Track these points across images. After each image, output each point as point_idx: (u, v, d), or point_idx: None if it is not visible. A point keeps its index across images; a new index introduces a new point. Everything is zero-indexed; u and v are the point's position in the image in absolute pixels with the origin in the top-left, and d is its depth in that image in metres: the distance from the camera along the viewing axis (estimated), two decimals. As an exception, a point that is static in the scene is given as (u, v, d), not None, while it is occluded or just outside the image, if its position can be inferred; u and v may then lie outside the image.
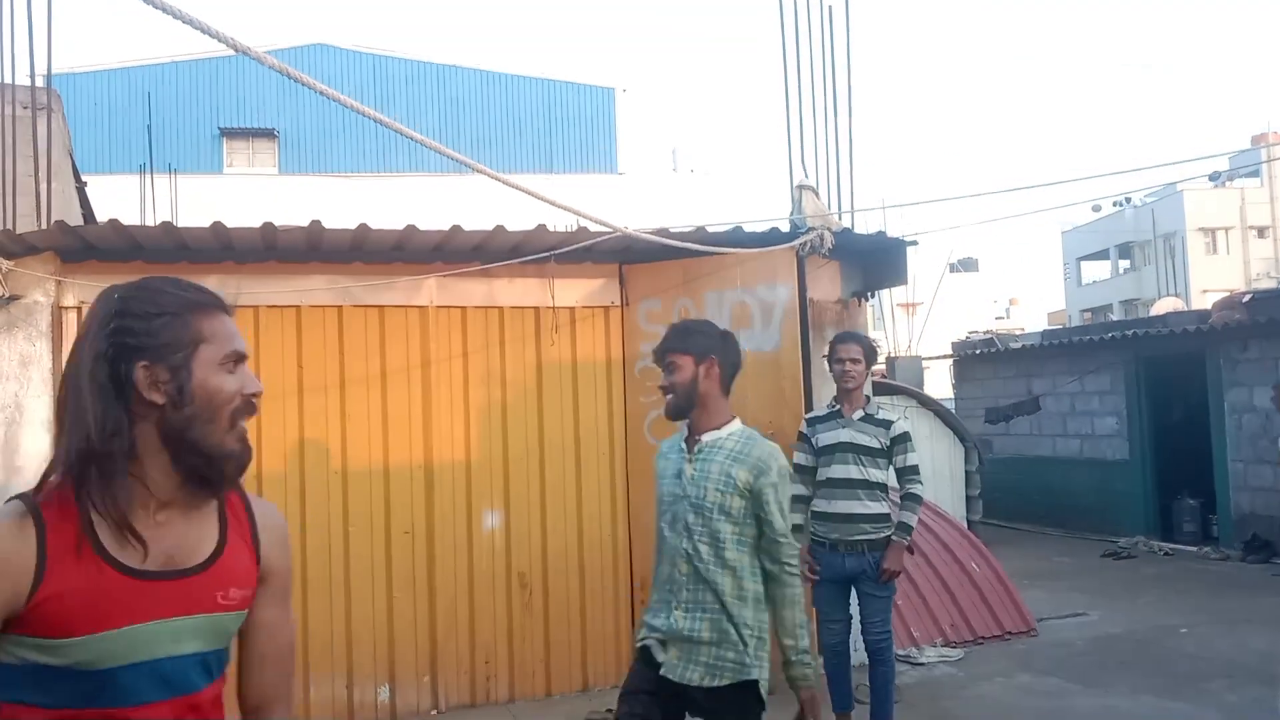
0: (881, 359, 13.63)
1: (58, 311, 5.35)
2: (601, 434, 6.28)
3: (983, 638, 6.95)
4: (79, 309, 5.42)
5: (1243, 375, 10.53)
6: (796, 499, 4.60)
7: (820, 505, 4.87)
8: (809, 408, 6.16)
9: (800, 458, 4.96)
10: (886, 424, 4.87)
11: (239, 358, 1.54)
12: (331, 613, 5.68)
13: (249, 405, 1.54)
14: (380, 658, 5.76)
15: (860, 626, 4.89)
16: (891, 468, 4.88)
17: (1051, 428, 13.10)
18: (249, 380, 1.55)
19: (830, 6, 6.83)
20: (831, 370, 5.09)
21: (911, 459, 4.86)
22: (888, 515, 4.84)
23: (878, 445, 4.83)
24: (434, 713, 5.82)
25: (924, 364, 14.64)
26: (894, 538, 4.78)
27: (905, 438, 4.87)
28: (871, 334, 6.89)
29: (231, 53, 2.52)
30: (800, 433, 5.10)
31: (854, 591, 4.90)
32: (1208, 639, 6.77)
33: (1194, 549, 10.61)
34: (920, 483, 4.85)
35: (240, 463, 1.53)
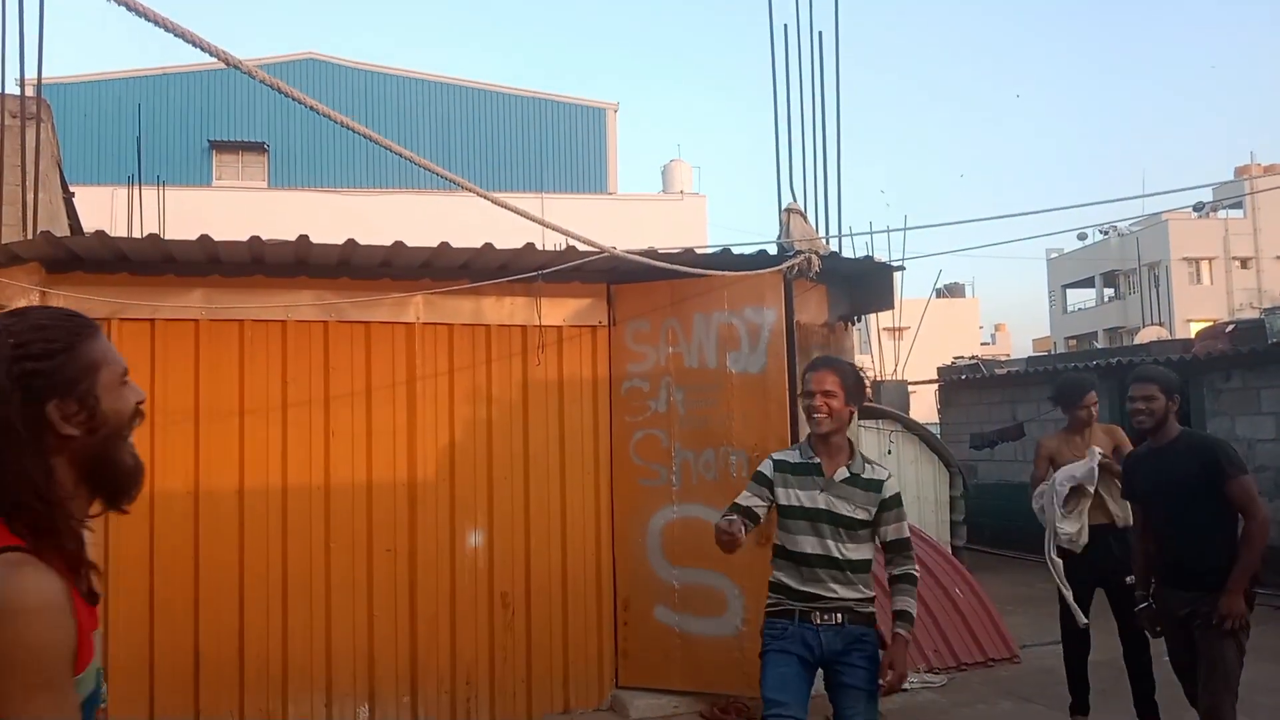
0: (867, 383, 13.65)
1: (41, 322, 5.30)
2: (587, 454, 6.27)
3: (966, 664, 6.94)
4: (63, 320, 5.37)
5: (1225, 405, 10.60)
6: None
7: (788, 579, 3.71)
8: (794, 431, 6.17)
9: (747, 498, 3.75)
10: (878, 484, 3.69)
11: (126, 371, 1.57)
12: (311, 630, 5.63)
13: (140, 414, 1.59)
14: (360, 676, 5.71)
15: None
16: (876, 539, 3.75)
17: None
18: (137, 391, 1.59)
19: (820, 32, 6.89)
20: (801, 404, 3.87)
21: (905, 530, 3.74)
22: (873, 597, 3.73)
23: (863, 517, 3.65)
24: (413, 733, 5.76)
25: (910, 389, 14.68)
26: (898, 629, 3.60)
27: (897, 501, 3.71)
28: (858, 358, 6.90)
29: (222, 66, 2.52)
30: (760, 472, 3.82)
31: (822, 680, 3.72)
32: (1189, 668, 6.77)
33: (1176, 577, 10.62)
34: (912, 562, 3.73)
35: (140, 476, 1.57)
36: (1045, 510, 5.68)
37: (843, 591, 3.62)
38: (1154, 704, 5.54)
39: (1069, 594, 5.60)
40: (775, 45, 6.89)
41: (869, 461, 3.78)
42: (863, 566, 3.66)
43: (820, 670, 3.68)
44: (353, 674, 5.70)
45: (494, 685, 5.96)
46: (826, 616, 3.61)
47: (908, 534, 3.76)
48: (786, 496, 3.70)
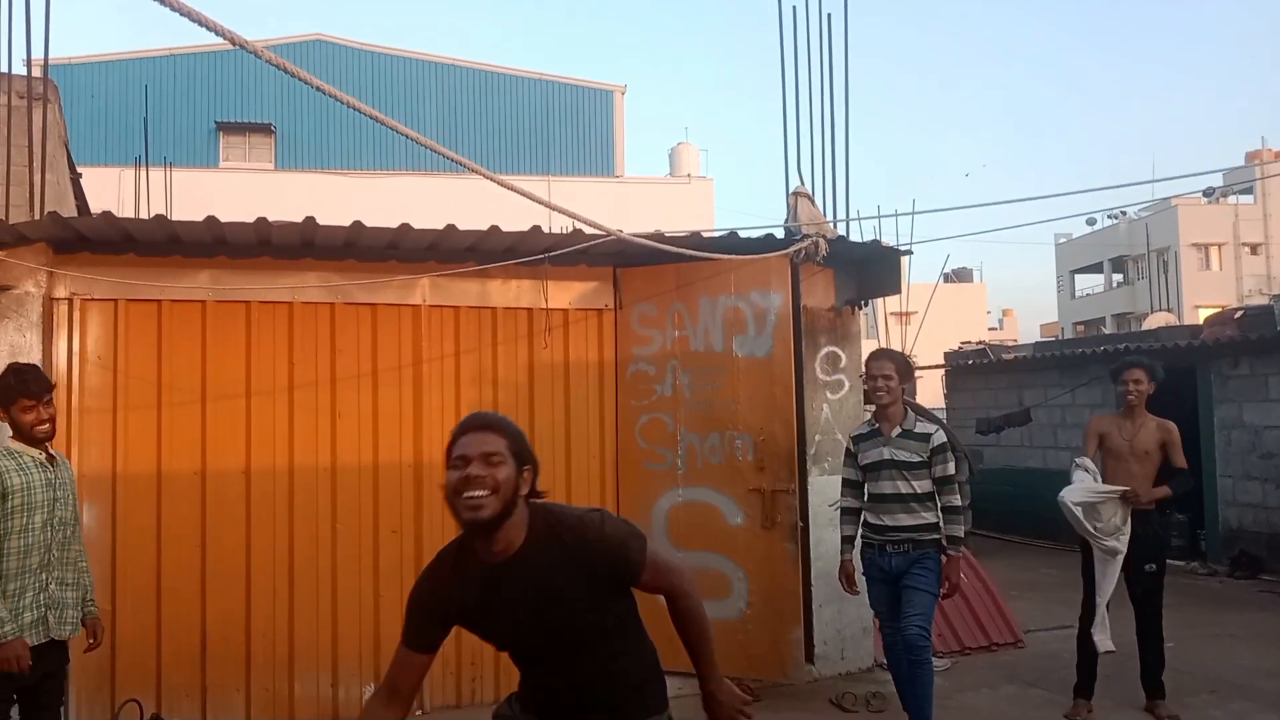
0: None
1: (49, 303, 5.33)
2: (592, 437, 6.27)
3: (969, 648, 6.95)
4: (70, 300, 5.40)
5: (1233, 391, 10.57)
6: (846, 511, 5.15)
7: (871, 518, 4.99)
8: (800, 414, 6.18)
9: (846, 473, 5.16)
10: (925, 437, 4.91)
11: None
12: (317, 609, 5.67)
13: None
14: (365, 656, 5.75)
15: (899, 623, 4.85)
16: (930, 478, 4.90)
17: (1042, 439, 13.12)
18: None
19: (829, 15, 6.85)
20: (865, 387, 5.25)
21: (950, 469, 4.88)
22: (936, 524, 4.89)
23: (918, 459, 4.87)
24: (419, 712, 5.79)
25: (916, 373, 14.65)
26: (949, 551, 4.84)
27: (944, 448, 4.89)
28: (864, 343, 6.89)
29: (230, 47, 2.51)
30: (846, 449, 5.24)
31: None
32: (1194, 654, 6.78)
33: (1181, 564, 10.63)
34: (957, 494, 4.89)
35: None
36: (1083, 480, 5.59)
37: (907, 520, 4.84)
38: (1161, 684, 5.57)
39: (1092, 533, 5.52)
40: (784, 28, 6.85)
41: (920, 419, 5.00)
42: (925, 498, 4.86)
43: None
44: (358, 654, 5.73)
45: (499, 666, 5.98)
46: (895, 546, 4.85)
47: (953, 472, 4.88)
48: (864, 457, 5.01)
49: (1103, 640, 5.55)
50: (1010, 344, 20.05)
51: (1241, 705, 5.66)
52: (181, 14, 2.32)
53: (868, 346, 7.55)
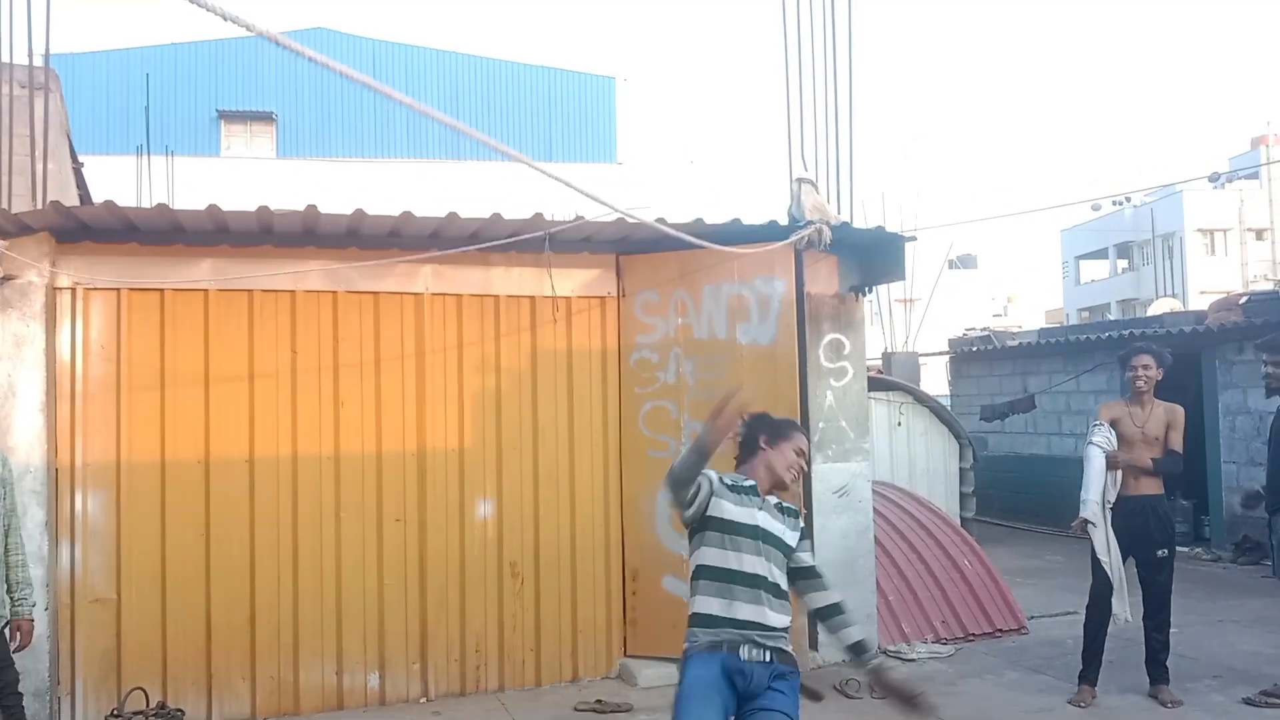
0: (878, 355, 13.62)
1: (52, 292, 5.32)
2: (595, 425, 6.27)
3: (973, 635, 6.96)
4: (73, 289, 5.40)
5: (1237, 377, 10.54)
6: None
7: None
8: (804, 401, 6.17)
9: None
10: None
11: None
12: (322, 598, 5.68)
13: None
14: (370, 644, 5.76)
15: None
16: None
17: (1046, 426, 13.11)
18: None
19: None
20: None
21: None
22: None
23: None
24: (423, 700, 5.81)
25: (921, 360, 14.62)
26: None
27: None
28: (868, 329, 6.88)
29: (231, 35, 2.49)
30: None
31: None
32: (1197, 639, 6.78)
33: (1185, 550, 10.61)
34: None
35: None
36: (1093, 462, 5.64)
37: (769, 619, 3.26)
38: (1166, 670, 5.57)
39: (1102, 541, 5.57)
40: (787, 11, 6.80)
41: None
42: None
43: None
44: (363, 641, 5.75)
45: (503, 654, 6.00)
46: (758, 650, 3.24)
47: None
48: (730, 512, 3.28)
49: (1121, 609, 5.60)
50: (1015, 330, 20.01)
51: (1245, 691, 5.66)
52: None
53: (871, 334, 7.54)
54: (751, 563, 3.22)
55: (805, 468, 3.49)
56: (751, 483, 3.35)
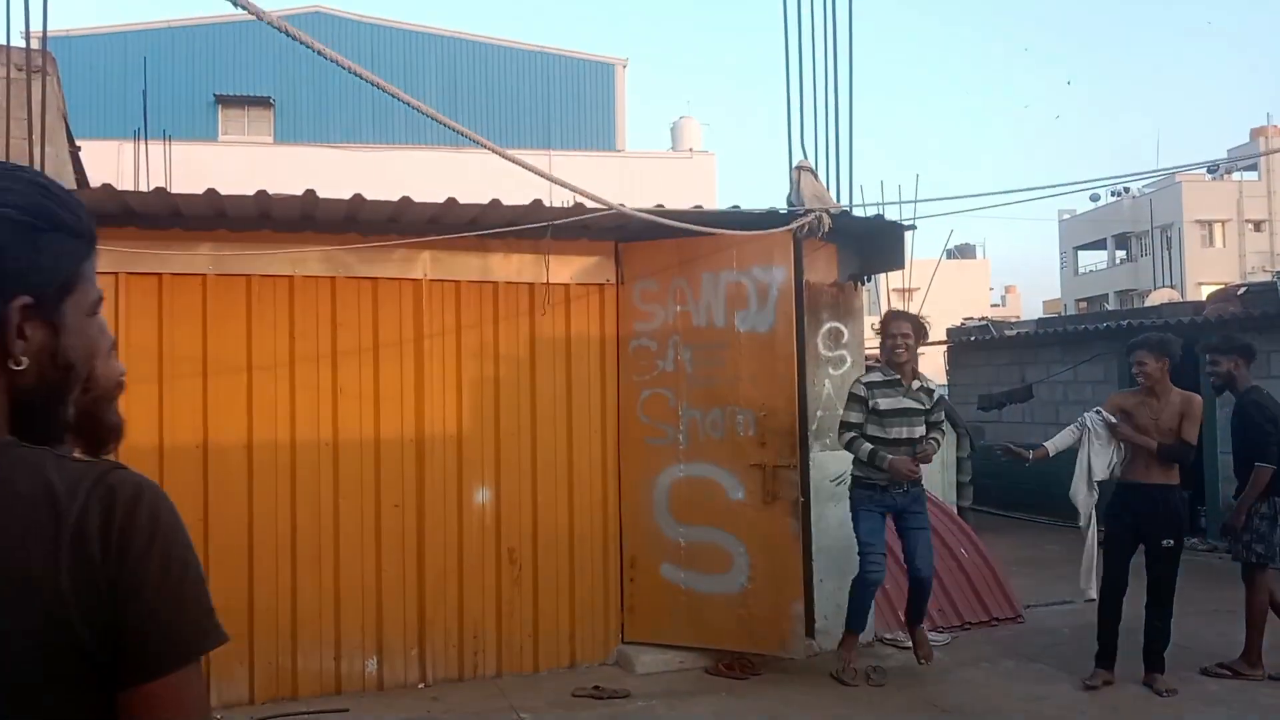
0: (876, 344, 13.59)
1: (49, 276, 5.29)
2: (594, 411, 6.27)
3: (969, 623, 6.98)
4: (70, 274, 5.36)
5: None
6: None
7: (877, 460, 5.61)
8: (802, 389, 6.17)
9: (853, 415, 5.75)
10: (931, 391, 5.88)
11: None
12: (320, 584, 5.68)
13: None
14: (368, 630, 5.77)
15: (915, 561, 5.68)
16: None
17: (1044, 416, 13.11)
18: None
19: (834, -14, 6.77)
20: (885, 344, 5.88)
21: (942, 415, 6.07)
22: None
23: (924, 409, 5.79)
24: (421, 685, 5.83)
25: (920, 349, 14.63)
26: (932, 436, 5.81)
27: (940, 400, 6.02)
28: (866, 319, 6.89)
29: (229, 19, 2.48)
30: (853, 394, 5.82)
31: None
32: (1192, 629, 6.79)
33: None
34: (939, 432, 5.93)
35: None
36: (1083, 441, 5.79)
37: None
38: (1162, 659, 5.59)
39: (1091, 531, 5.84)
40: (788, 5, 6.77)
41: (920, 377, 5.89)
42: (919, 442, 5.75)
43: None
44: (361, 627, 5.75)
45: (501, 639, 6.02)
46: (898, 486, 5.62)
47: (942, 418, 6.02)
48: (880, 404, 5.67)
49: (1086, 585, 5.77)
50: (1013, 320, 20.02)
51: (1239, 680, 5.68)
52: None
53: (870, 323, 7.54)
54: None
55: (908, 345, 5.77)
56: (895, 376, 5.77)
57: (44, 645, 0.96)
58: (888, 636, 6.58)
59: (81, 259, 1.14)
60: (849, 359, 6.52)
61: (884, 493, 5.65)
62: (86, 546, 0.98)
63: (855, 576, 5.70)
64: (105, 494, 1.01)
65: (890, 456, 5.58)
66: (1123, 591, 5.68)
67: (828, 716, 5.30)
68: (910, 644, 6.49)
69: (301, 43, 2.64)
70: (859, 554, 5.66)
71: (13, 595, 0.96)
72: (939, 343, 15.99)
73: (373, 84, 2.98)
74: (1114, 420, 5.69)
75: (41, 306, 1.07)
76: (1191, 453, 5.68)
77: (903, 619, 6.77)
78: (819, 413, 6.37)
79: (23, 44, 6.12)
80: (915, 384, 5.78)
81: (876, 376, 5.84)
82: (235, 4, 2.47)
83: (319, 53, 2.71)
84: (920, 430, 5.76)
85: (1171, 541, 5.62)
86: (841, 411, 5.89)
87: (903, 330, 5.75)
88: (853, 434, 5.67)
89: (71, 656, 0.97)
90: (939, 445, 5.87)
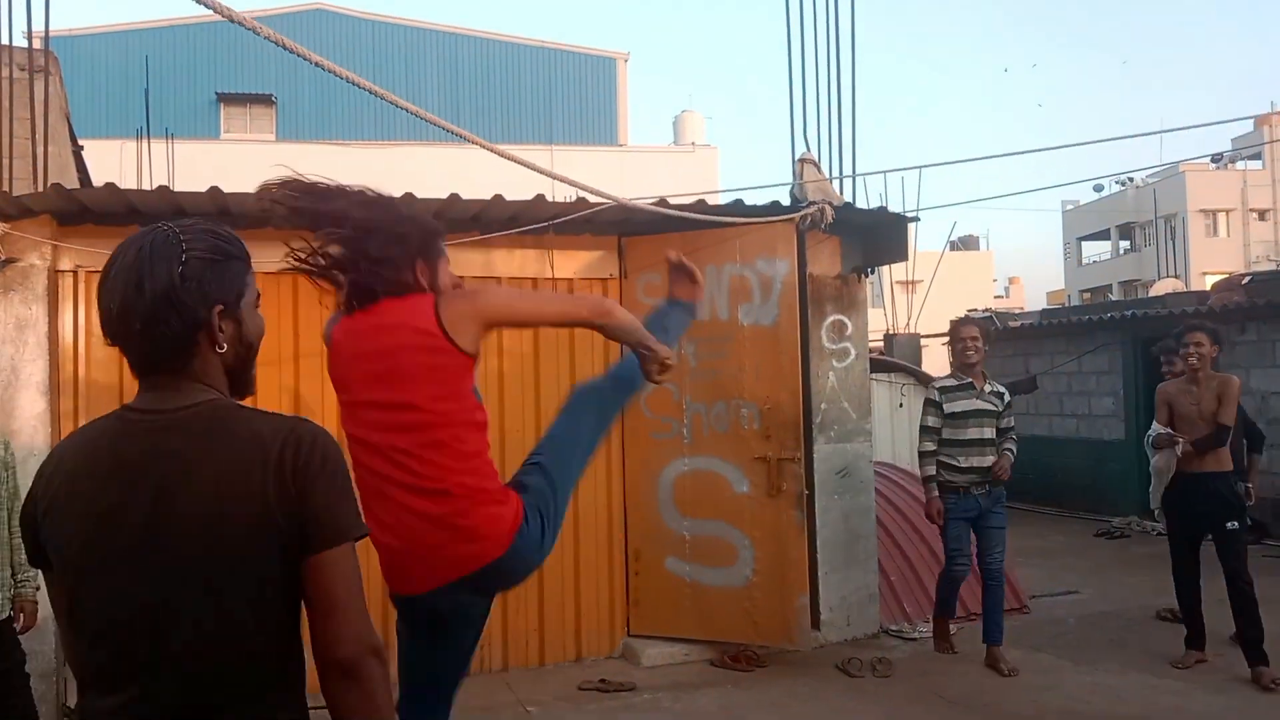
0: (879, 336, 13.60)
1: (53, 275, 5.32)
2: (598, 406, 6.27)
3: (975, 614, 6.97)
4: (75, 272, 5.39)
5: (1239, 357, 10.53)
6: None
7: (957, 462, 5.82)
8: (806, 382, 6.17)
9: (931, 420, 5.90)
10: (1001, 394, 6.00)
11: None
12: (327, 580, 5.69)
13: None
14: (374, 624, 5.77)
15: (986, 558, 5.89)
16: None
17: (1048, 407, 13.12)
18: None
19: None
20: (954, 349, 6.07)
21: (1013, 420, 6.09)
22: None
23: (996, 410, 5.92)
24: (428, 680, 5.84)
25: (922, 342, 14.62)
26: (1006, 448, 5.95)
27: (1011, 402, 6.09)
28: (870, 311, 6.88)
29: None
30: (929, 399, 6.02)
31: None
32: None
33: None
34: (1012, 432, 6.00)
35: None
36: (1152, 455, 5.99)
37: (987, 463, 5.80)
38: (1262, 651, 5.51)
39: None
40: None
41: (990, 381, 6.03)
42: (994, 443, 5.87)
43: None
44: (368, 623, 5.76)
45: (506, 633, 6.03)
46: (979, 488, 5.84)
47: (1014, 423, 6.07)
48: (952, 406, 5.86)
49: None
50: (1017, 311, 20.00)
51: (1245, 669, 5.68)
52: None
53: (873, 315, 7.54)
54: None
55: (978, 347, 5.93)
56: (967, 380, 5.94)
57: (258, 529, 1.54)
58: (893, 628, 6.59)
59: (245, 273, 1.72)
60: (853, 351, 6.53)
61: (965, 495, 5.81)
62: (283, 470, 1.56)
63: (941, 571, 6.05)
64: (294, 439, 1.59)
65: (931, 496, 5.84)
66: (1196, 576, 5.79)
67: (834, 708, 5.31)
68: (914, 635, 6.51)
69: (299, 55, 2.65)
70: (945, 555, 5.96)
71: (240, 499, 1.54)
72: (943, 334, 15.98)
73: (370, 91, 2.98)
74: (1164, 432, 5.77)
75: (229, 309, 1.66)
76: (1226, 434, 5.67)
77: (907, 611, 6.79)
78: (823, 405, 6.37)
79: (25, 44, 6.14)
80: (987, 387, 5.93)
81: (949, 381, 6.00)
82: (237, 22, 2.48)
83: (318, 64, 2.72)
84: (991, 432, 5.87)
85: (1236, 524, 5.62)
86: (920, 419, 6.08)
87: (972, 334, 5.93)
88: (932, 445, 5.85)
89: (273, 535, 1.55)
90: (1014, 455, 5.95)
